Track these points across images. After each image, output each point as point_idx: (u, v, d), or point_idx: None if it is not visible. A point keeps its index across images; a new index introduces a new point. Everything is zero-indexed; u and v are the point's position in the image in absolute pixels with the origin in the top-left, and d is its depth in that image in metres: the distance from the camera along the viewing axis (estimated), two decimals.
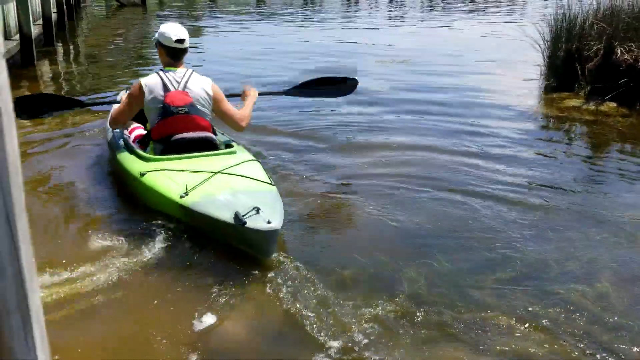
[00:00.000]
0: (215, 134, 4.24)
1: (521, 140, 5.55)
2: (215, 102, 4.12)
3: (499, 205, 4.05)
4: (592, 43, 7.23)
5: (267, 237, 3.15)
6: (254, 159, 4.12)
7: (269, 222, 3.14)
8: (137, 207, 3.91)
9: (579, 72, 7.25)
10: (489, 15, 19.77)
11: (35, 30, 10.17)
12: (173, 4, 26.12)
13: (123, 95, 4.63)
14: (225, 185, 3.59)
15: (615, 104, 6.59)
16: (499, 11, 21.60)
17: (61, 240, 3.58)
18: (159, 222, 3.59)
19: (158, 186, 3.67)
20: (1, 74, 0.44)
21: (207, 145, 4.05)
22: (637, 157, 5.16)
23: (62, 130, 5.80)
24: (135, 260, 3.23)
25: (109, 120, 4.52)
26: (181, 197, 3.48)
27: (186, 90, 4.01)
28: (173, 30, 4.15)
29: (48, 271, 3.04)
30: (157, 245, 3.38)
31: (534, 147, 5.38)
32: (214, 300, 2.91)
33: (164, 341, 2.63)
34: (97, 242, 3.48)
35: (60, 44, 12.35)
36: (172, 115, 3.95)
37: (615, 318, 2.81)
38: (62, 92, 7.55)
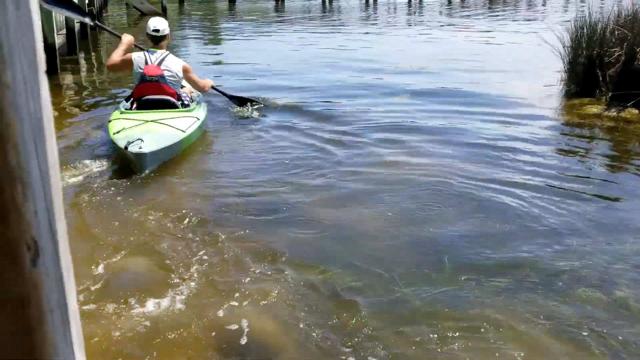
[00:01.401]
0: (180, 99, 5.76)
1: (541, 147, 5.52)
2: (184, 74, 5.82)
3: (515, 210, 4.04)
4: (613, 49, 7.16)
5: (136, 159, 4.69)
6: (194, 116, 5.60)
7: (140, 148, 4.65)
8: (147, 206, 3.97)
9: (600, 79, 7.19)
10: (507, 21, 19.67)
11: (58, 39, 10.36)
12: (192, 13, 26.40)
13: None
14: (146, 128, 5.06)
15: (637, 111, 6.52)
16: (518, 16, 21.48)
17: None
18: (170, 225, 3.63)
19: (110, 128, 5.23)
20: (43, 89, 0.47)
21: (167, 105, 5.60)
22: None
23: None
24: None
25: (108, 61, 5.94)
26: (114, 134, 5.04)
27: (160, 65, 5.58)
28: (152, 23, 5.87)
29: None
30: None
31: (554, 153, 5.35)
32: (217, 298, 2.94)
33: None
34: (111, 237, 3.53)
35: (83, 54, 12.56)
36: (146, 82, 5.59)
37: (632, 326, 2.79)
38: (85, 101, 7.66)
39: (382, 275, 3.25)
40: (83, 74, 10.35)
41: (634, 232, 3.80)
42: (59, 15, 11.74)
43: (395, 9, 29.53)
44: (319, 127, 6.24)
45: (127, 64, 5.73)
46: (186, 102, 5.84)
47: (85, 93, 8.39)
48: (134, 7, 25.20)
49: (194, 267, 3.35)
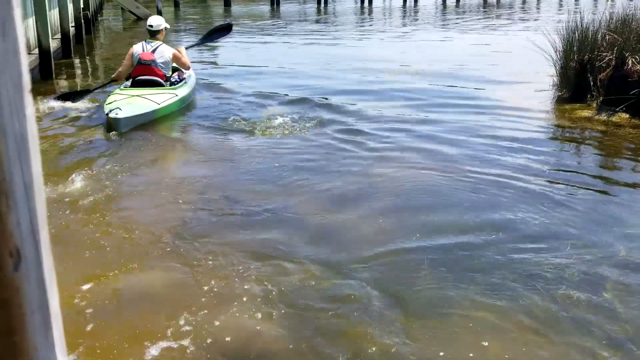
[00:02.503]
0: (167, 79, 7.28)
1: (531, 151, 5.57)
2: (175, 60, 7.38)
3: (506, 214, 4.10)
4: (604, 54, 7.24)
5: (113, 122, 6.14)
6: (173, 93, 7.00)
7: (116, 114, 6.14)
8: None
9: (591, 83, 7.26)
10: (501, 25, 19.78)
11: (53, 44, 10.40)
12: (188, 16, 26.45)
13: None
14: (128, 101, 6.52)
15: (627, 115, 6.59)
16: (512, 21, 21.60)
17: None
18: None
19: (106, 101, 6.72)
20: (28, 107, 0.51)
21: (155, 84, 7.08)
22: (631, 164, 5.15)
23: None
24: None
25: (116, 75, 7.52)
26: (106, 104, 6.54)
27: (153, 51, 7.15)
28: (149, 20, 7.55)
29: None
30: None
31: (544, 157, 5.40)
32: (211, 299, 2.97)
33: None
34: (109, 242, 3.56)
35: (78, 58, 12.59)
36: (140, 65, 7.12)
37: (617, 327, 2.84)
38: (80, 106, 7.70)
39: (372, 280, 3.29)
40: (78, 78, 10.38)
41: (621, 233, 3.86)
42: (54, 19, 11.78)
43: (390, 12, 29.65)
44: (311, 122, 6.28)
45: (129, 57, 7.28)
46: (173, 81, 7.46)
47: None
48: (129, 12, 25.24)
49: (183, 272, 3.38)
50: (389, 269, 3.41)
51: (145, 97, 6.68)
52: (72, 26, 13.52)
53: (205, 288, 3.21)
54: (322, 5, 33.92)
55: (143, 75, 7.07)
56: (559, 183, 4.76)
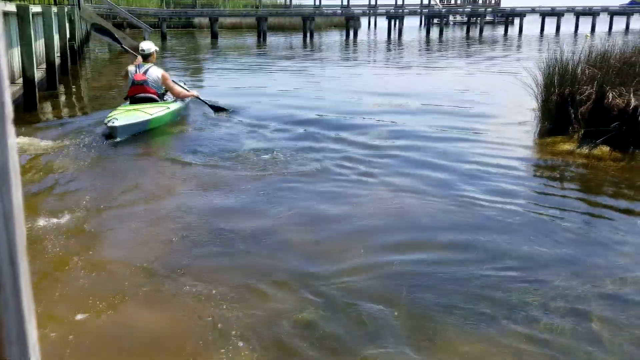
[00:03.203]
0: (160, 97, 8.37)
1: (515, 183, 5.64)
2: (163, 81, 8.46)
3: (490, 244, 4.11)
4: (585, 87, 7.38)
5: (110, 130, 7.13)
6: (165, 107, 8.13)
7: (113, 123, 7.10)
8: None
9: (572, 116, 7.38)
10: (484, 60, 20.16)
11: (38, 74, 10.39)
12: (175, 47, 26.65)
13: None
14: (125, 113, 7.60)
15: (608, 148, 6.69)
16: (494, 56, 22.03)
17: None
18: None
19: (109, 115, 7.60)
20: (10, 137, 0.51)
21: (149, 100, 8.21)
22: (625, 200, 5.21)
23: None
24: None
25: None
26: (107, 117, 7.52)
27: (144, 73, 8.33)
28: (141, 45, 8.76)
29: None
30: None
31: (527, 189, 5.46)
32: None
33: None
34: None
35: (63, 88, 12.58)
36: (135, 85, 8.28)
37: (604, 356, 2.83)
38: (64, 135, 7.66)
39: (359, 304, 3.27)
40: (62, 108, 10.34)
41: (602, 263, 3.89)
42: (40, 49, 11.79)
43: (375, 46, 30.11)
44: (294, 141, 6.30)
45: (125, 76, 8.66)
46: (166, 99, 8.53)
47: (63, 129, 8.37)
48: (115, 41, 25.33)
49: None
50: (369, 296, 3.39)
51: (140, 110, 7.84)
52: (57, 56, 13.52)
53: (191, 327, 3.16)
54: (308, 38, 34.39)
55: (138, 93, 8.25)
56: (541, 214, 4.80)
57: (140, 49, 8.62)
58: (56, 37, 13.87)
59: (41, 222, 4.53)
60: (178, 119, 8.48)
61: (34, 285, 3.45)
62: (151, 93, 8.26)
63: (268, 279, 3.64)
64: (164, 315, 3.25)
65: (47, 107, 10.17)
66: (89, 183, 5.60)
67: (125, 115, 7.50)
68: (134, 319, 3.20)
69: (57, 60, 13.24)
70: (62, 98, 11.54)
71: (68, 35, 15.76)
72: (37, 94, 9.69)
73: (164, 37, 31.33)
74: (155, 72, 8.40)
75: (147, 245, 4.18)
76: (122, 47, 10.88)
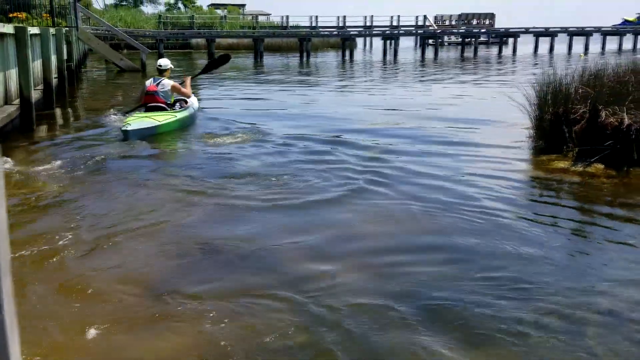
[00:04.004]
0: (169, 105, 9.80)
1: (509, 200, 5.64)
2: (173, 90, 9.86)
3: (483, 260, 4.11)
4: (578, 106, 7.43)
5: (124, 133, 8.43)
6: (173, 115, 9.49)
7: (125, 128, 8.45)
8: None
9: (566, 135, 7.42)
10: (478, 79, 20.30)
11: (35, 94, 10.42)
12: (173, 68, 26.72)
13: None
14: (138, 119, 8.98)
15: (602, 166, 6.72)
16: (489, 75, 22.20)
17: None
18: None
19: (124, 121, 9.01)
20: None
21: (160, 108, 9.54)
22: (618, 217, 5.22)
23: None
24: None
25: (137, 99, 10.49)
26: (123, 122, 8.92)
27: (157, 85, 9.71)
28: (159, 61, 10.32)
29: None
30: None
31: (520, 208, 5.45)
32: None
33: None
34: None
35: (60, 109, 12.61)
36: (147, 94, 9.68)
37: None
38: (61, 156, 7.67)
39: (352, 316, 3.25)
40: (59, 129, 10.34)
41: (596, 280, 3.88)
42: (37, 69, 11.85)
43: (371, 66, 30.32)
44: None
45: (142, 89, 10.01)
46: (176, 108, 9.92)
47: (59, 149, 8.38)
48: (113, 63, 25.50)
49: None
50: (361, 315, 3.37)
51: (150, 117, 9.17)
52: (55, 77, 13.59)
53: (190, 349, 3.14)
54: (305, 58, 34.64)
55: (149, 102, 9.62)
56: (535, 231, 4.80)
57: (157, 64, 10.18)
58: (54, 58, 13.94)
59: (32, 243, 4.51)
60: (186, 126, 9.83)
61: (22, 307, 3.43)
62: (160, 102, 9.64)
63: (268, 297, 3.63)
64: (159, 338, 3.22)
65: (44, 127, 10.18)
66: (82, 204, 5.59)
67: (137, 121, 8.92)
68: (128, 343, 3.17)
69: (55, 81, 13.31)
70: (59, 118, 11.55)
71: (65, 57, 15.83)
72: (34, 115, 9.71)
73: (160, 57, 31.50)
74: (166, 84, 9.77)
75: (142, 267, 4.16)
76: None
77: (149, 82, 9.83)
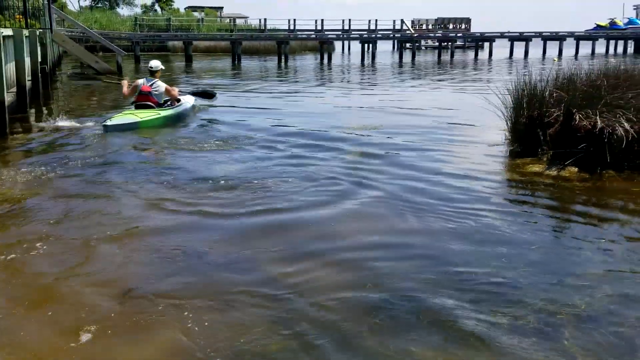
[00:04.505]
0: (160, 104, 10.49)
1: (483, 204, 5.68)
2: (166, 92, 10.54)
3: (459, 265, 4.15)
4: (552, 110, 7.53)
5: (103, 127, 9.23)
6: (158, 113, 10.11)
7: (105, 123, 9.23)
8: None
9: (541, 138, 7.52)
10: (455, 84, 20.49)
11: (8, 97, 10.24)
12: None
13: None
14: (123, 116, 9.67)
15: (576, 169, 6.82)
16: (465, 80, 22.41)
17: None
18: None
19: (109, 119, 9.55)
20: None
21: (149, 107, 10.20)
22: (588, 220, 5.29)
23: None
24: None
25: (123, 90, 10.90)
26: (107, 118, 9.79)
27: (150, 85, 10.36)
28: (150, 63, 10.80)
29: None
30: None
31: (494, 211, 5.49)
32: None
33: None
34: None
35: (34, 111, 12.41)
36: (141, 94, 10.33)
37: None
38: (34, 160, 7.55)
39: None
40: (33, 131, 10.17)
41: (571, 279, 3.94)
42: (11, 72, 11.65)
43: (349, 69, 30.41)
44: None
45: (134, 88, 10.57)
46: (165, 107, 10.57)
47: (32, 152, 8.25)
48: (88, 66, 25.19)
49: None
50: (340, 315, 3.38)
51: (134, 114, 9.88)
52: (28, 80, 13.37)
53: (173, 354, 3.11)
54: (283, 61, 34.62)
55: (141, 101, 10.34)
56: (510, 233, 4.86)
57: (149, 66, 10.79)
58: (27, 61, 13.71)
59: (6, 249, 4.43)
60: (170, 123, 10.33)
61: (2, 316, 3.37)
62: (152, 102, 10.37)
63: (246, 299, 3.61)
64: (136, 343, 3.19)
65: (17, 130, 10.01)
66: (54, 209, 5.50)
67: (119, 117, 9.64)
68: (104, 349, 3.13)
69: (28, 84, 13.09)
70: (33, 121, 11.36)
71: (40, 59, 15.59)
72: (7, 118, 9.53)
73: (137, 61, 31.22)
74: (160, 86, 10.56)
75: (115, 272, 4.11)
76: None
77: (142, 82, 10.53)
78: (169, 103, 10.79)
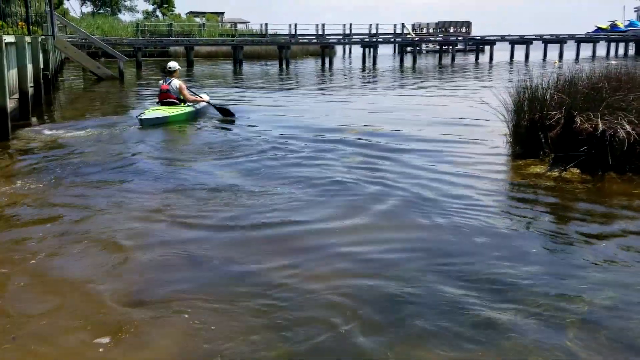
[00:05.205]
0: (179, 101, 11.90)
1: (484, 206, 5.69)
2: (180, 90, 11.88)
3: (460, 264, 4.17)
4: (553, 113, 7.53)
5: (139, 121, 10.85)
6: (182, 109, 11.74)
7: (140, 117, 10.91)
8: None
9: (542, 140, 7.52)
10: (456, 87, 20.49)
11: (11, 104, 10.27)
12: (150, 76, 26.62)
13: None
14: (153, 111, 11.51)
15: (578, 171, 6.82)
16: (466, 83, 22.42)
17: None
18: None
19: (143, 114, 11.23)
20: None
21: (171, 103, 11.80)
22: (590, 223, 5.28)
23: None
24: None
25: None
26: (139, 113, 11.36)
27: (168, 84, 11.91)
28: (168, 64, 12.30)
29: None
30: None
31: (496, 213, 5.51)
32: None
33: None
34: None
35: (36, 118, 12.44)
36: (161, 92, 12.06)
37: None
38: (36, 167, 7.58)
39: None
40: (36, 138, 10.19)
41: (572, 281, 3.94)
42: (13, 79, 11.69)
43: (350, 74, 30.45)
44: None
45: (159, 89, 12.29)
46: (186, 104, 11.97)
47: (35, 160, 8.27)
48: (90, 72, 25.27)
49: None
50: (342, 317, 3.39)
51: (163, 109, 11.53)
52: (31, 86, 13.41)
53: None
54: (284, 66, 34.67)
55: (163, 99, 11.92)
56: (512, 235, 4.88)
57: (167, 66, 12.25)
58: (29, 67, 13.77)
59: (5, 253, 4.45)
60: (193, 119, 11.76)
61: None
62: (172, 98, 11.87)
63: (235, 302, 3.62)
64: (131, 348, 3.20)
65: (20, 137, 10.03)
66: (54, 215, 5.52)
67: (151, 112, 11.31)
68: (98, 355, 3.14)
69: (31, 91, 13.13)
70: (35, 128, 11.38)
71: (42, 65, 15.65)
72: (9, 124, 9.57)
73: (139, 66, 31.30)
74: (175, 84, 11.94)
75: (112, 278, 4.12)
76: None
77: (161, 82, 12.20)
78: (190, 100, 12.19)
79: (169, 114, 11.26)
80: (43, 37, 20.42)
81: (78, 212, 5.60)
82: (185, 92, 12.02)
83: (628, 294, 3.81)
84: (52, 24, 23.57)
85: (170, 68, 12.11)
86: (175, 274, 4.16)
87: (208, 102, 12.61)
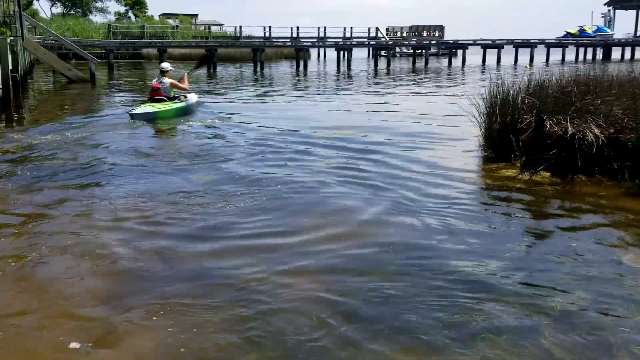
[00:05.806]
0: (169, 97, 12.87)
1: (456, 209, 5.73)
2: (172, 86, 13.02)
3: (428, 268, 4.19)
4: (524, 116, 7.65)
5: (130, 116, 11.80)
6: (170, 105, 12.61)
7: (132, 112, 11.93)
8: None
9: (514, 143, 7.63)
10: (429, 91, 20.68)
11: None
12: (122, 78, 26.30)
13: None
14: (144, 107, 12.24)
15: (548, 174, 6.93)
16: (439, 86, 22.64)
17: None
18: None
19: (134, 109, 12.19)
20: None
21: (161, 100, 12.67)
22: (560, 223, 5.38)
23: None
24: None
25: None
26: (132, 108, 12.44)
27: (159, 83, 12.92)
28: (161, 65, 13.67)
29: None
30: None
31: (467, 215, 5.55)
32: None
33: None
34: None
35: (4, 121, 12.19)
36: (152, 90, 12.97)
37: None
38: (2, 171, 7.42)
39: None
40: (4, 141, 10.00)
41: (545, 280, 4.00)
42: None
43: (325, 77, 30.49)
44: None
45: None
46: (175, 100, 12.86)
47: (3, 161, 8.10)
48: (61, 74, 24.86)
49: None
50: (304, 318, 3.39)
51: (152, 105, 12.29)
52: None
53: None
54: (259, 68, 34.57)
55: (154, 96, 12.73)
56: (485, 236, 4.93)
57: (160, 67, 13.44)
58: None
59: None
60: (180, 115, 12.55)
61: None
62: (162, 96, 12.76)
63: (213, 306, 3.60)
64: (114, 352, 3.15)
65: None
66: (18, 220, 5.42)
67: (141, 108, 12.16)
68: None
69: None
70: (3, 131, 11.15)
71: (10, 67, 15.35)
72: None
73: (110, 68, 30.89)
74: (166, 83, 12.89)
75: (84, 283, 4.06)
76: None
77: (154, 81, 13.11)
78: (179, 98, 13.18)
79: (157, 110, 12.12)
80: (12, 38, 20.03)
81: (47, 217, 5.50)
82: (177, 83, 13.14)
83: (596, 291, 3.88)
84: (20, 25, 23.13)
85: (163, 68, 13.26)
86: (150, 279, 4.11)
87: (188, 73, 14.60)
